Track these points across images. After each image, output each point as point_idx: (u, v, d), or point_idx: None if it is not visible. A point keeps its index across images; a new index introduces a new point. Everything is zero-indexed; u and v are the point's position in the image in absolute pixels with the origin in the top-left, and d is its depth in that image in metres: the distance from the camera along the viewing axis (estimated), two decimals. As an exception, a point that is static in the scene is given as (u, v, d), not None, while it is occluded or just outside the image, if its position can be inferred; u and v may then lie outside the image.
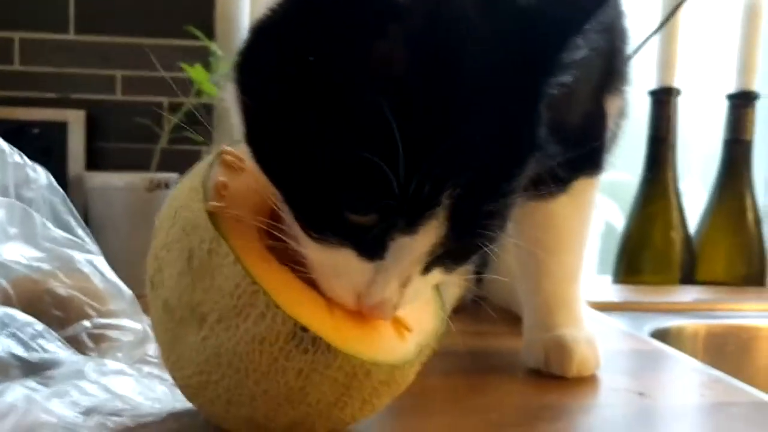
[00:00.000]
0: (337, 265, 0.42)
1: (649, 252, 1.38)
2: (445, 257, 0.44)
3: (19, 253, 0.54)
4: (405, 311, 0.46)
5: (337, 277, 0.42)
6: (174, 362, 0.45)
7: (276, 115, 0.41)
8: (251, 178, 0.45)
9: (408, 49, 0.39)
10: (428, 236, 0.41)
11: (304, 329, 0.41)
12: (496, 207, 0.42)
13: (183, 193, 0.47)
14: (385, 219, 0.40)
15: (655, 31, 1.14)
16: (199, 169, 0.48)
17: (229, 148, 0.48)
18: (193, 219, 0.44)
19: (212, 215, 0.44)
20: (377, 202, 0.39)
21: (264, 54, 0.43)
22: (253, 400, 0.43)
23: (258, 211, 0.45)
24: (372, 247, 0.41)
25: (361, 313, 0.44)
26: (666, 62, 1.34)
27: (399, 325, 0.47)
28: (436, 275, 0.45)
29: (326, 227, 0.41)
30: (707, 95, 1.47)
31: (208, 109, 1.12)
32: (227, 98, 0.45)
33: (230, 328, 0.42)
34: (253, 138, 0.43)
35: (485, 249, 0.44)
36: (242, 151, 0.46)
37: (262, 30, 0.44)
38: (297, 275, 0.44)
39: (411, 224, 0.40)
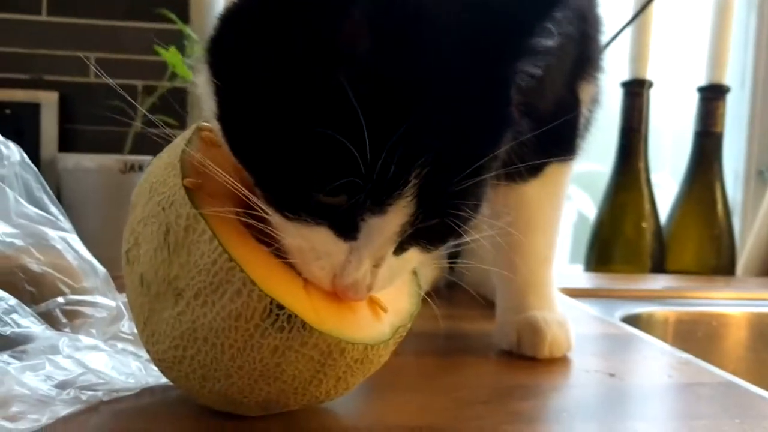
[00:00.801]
0: (312, 245, 0.42)
1: (620, 242, 1.40)
2: (419, 237, 0.44)
3: (-8, 229, 0.54)
4: (381, 292, 0.47)
5: (312, 258, 0.43)
6: (149, 336, 0.45)
7: (245, 98, 0.42)
8: (228, 155, 0.45)
9: (371, 30, 0.39)
10: (398, 216, 0.41)
11: (280, 307, 0.41)
12: (467, 186, 0.42)
13: (159, 168, 0.47)
14: (354, 199, 0.41)
15: (628, 23, 1.15)
16: (175, 145, 0.48)
17: (206, 124, 0.48)
18: (170, 194, 0.44)
19: (189, 191, 0.44)
20: (344, 183, 0.40)
21: (233, 38, 0.43)
22: (229, 377, 0.43)
23: (234, 189, 0.45)
24: (345, 227, 0.42)
25: (337, 293, 0.44)
26: (638, 54, 1.35)
27: (374, 305, 0.48)
28: (413, 256, 0.46)
29: (299, 208, 0.41)
30: (679, 87, 1.49)
31: (182, 92, 1.11)
32: (200, 82, 0.45)
33: (206, 304, 0.42)
34: (224, 121, 0.44)
35: (459, 230, 0.44)
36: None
37: (230, 15, 0.44)
38: (274, 254, 0.44)
39: (379, 204, 0.41)
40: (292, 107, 0.40)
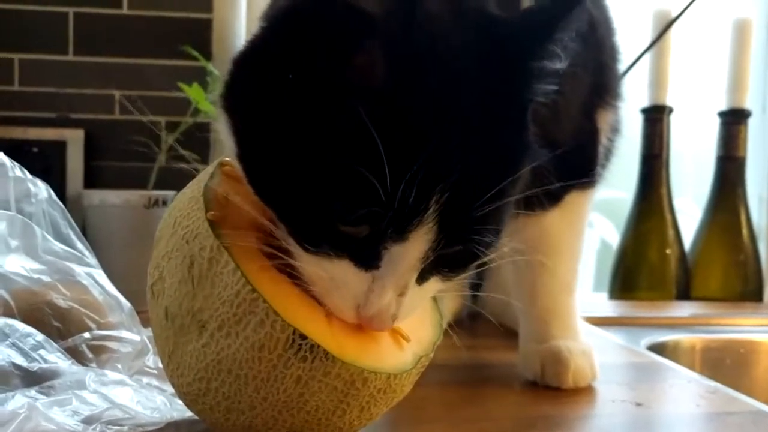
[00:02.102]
0: (335, 277, 0.43)
1: (644, 269, 1.39)
2: (440, 265, 0.45)
3: (20, 265, 0.55)
4: (403, 322, 0.47)
5: (335, 289, 0.43)
6: (174, 369, 0.46)
7: (262, 135, 0.43)
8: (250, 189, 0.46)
9: (386, 60, 0.40)
10: (419, 243, 0.42)
11: (303, 337, 0.42)
12: (488, 211, 0.42)
13: (183, 202, 0.47)
14: (376, 228, 0.41)
15: (647, 50, 1.16)
16: (199, 179, 0.49)
17: (228, 159, 0.49)
18: (194, 228, 0.45)
19: (212, 223, 0.44)
20: (365, 212, 0.40)
21: (246, 78, 0.44)
22: (253, 408, 0.43)
23: (257, 221, 0.45)
24: (367, 257, 0.42)
25: (362, 325, 0.44)
26: (658, 80, 1.35)
27: (397, 335, 0.48)
28: (434, 285, 0.46)
29: (321, 240, 0.42)
30: (699, 112, 1.48)
31: (205, 127, 1.13)
32: (220, 124, 0.46)
33: (230, 336, 0.42)
34: (243, 159, 0.44)
35: (480, 256, 0.45)
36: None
37: (243, 57, 0.45)
38: (296, 286, 0.45)
39: (401, 232, 0.41)
40: (309, 141, 0.40)
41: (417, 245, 0.42)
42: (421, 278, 0.44)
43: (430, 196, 0.40)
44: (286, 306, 0.43)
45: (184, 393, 0.46)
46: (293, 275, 0.44)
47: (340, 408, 0.44)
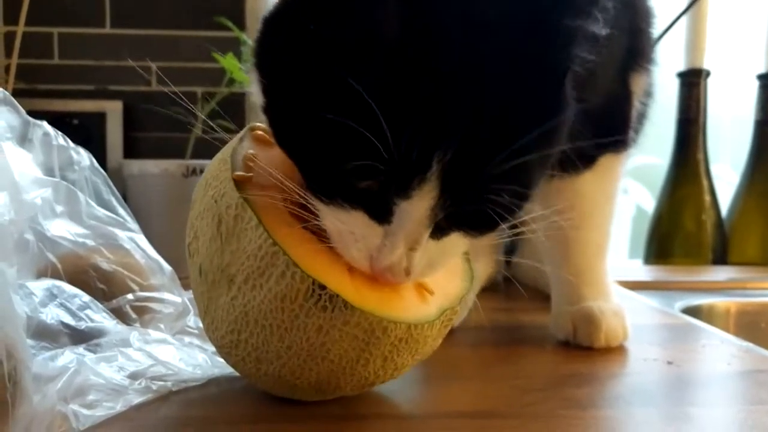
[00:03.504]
0: (351, 229, 0.44)
1: (680, 235, 1.38)
2: (459, 223, 0.45)
3: (66, 230, 0.57)
4: (431, 277, 0.48)
5: (353, 241, 0.44)
6: (209, 324, 0.48)
7: (284, 90, 0.44)
8: (278, 152, 0.47)
9: (399, 12, 0.40)
10: (424, 200, 0.42)
11: (322, 287, 0.43)
12: (506, 171, 0.41)
13: (214, 165, 0.49)
14: (383, 184, 0.42)
15: (683, 13, 1.14)
16: (230, 143, 0.50)
17: (259, 124, 0.51)
18: (222, 188, 0.47)
19: (237, 182, 0.46)
20: (374, 168, 0.41)
21: (273, 36, 0.46)
22: (279, 357, 0.45)
23: (283, 183, 0.47)
24: (378, 212, 0.43)
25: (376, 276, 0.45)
26: (694, 44, 1.33)
27: (422, 289, 0.49)
28: (456, 242, 0.46)
29: (335, 193, 0.43)
30: (737, 76, 1.46)
31: (240, 97, 1.14)
32: (252, 81, 0.48)
33: (255, 288, 0.44)
34: (269, 113, 0.46)
35: (502, 217, 0.44)
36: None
37: (271, 16, 0.46)
38: (323, 244, 0.46)
39: (404, 188, 0.41)
40: (323, 96, 0.41)
41: (422, 203, 0.42)
42: (440, 233, 0.45)
43: (432, 155, 0.40)
44: (307, 259, 0.44)
45: (219, 346, 0.48)
46: (321, 237, 0.46)
47: (362, 357, 0.45)
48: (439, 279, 0.49)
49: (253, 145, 0.50)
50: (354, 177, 0.42)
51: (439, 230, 0.45)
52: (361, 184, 0.42)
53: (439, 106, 0.40)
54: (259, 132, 0.51)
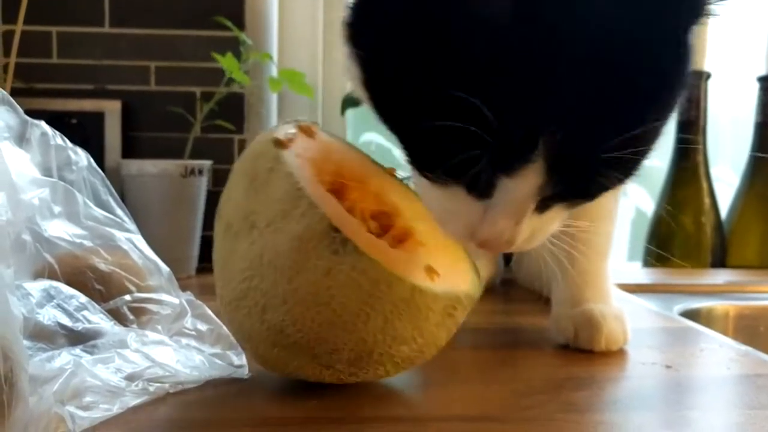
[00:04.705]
0: (450, 203, 0.45)
1: (679, 237, 1.38)
2: (564, 197, 0.45)
3: (63, 230, 0.57)
4: (437, 263, 0.49)
5: (451, 214, 0.45)
6: (224, 282, 0.49)
7: (387, 63, 0.44)
8: (321, 145, 0.51)
9: None
10: (529, 180, 0.41)
11: (337, 230, 0.45)
12: (616, 155, 0.40)
13: (252, 148, 0.52)
14: (487, 160, 0.41)
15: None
16: (271, 129, 0.52)
17: (303, 119, 0.54)
18: (259, 151, 0.49)
19: (276, 141, 0.48)
20: (475, 144, 0.40)
21: (377, 11, 0.44)
22: (285, 302, 0.46)
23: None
24: (479, 187, 0.43)
25: (396, 243, 0.49)
26: (695, 46, 1.33)
27: (432, 271, 0.49)
28: (559, 212, 0.46)
29: (437, 167, 0.43)
30: (738, 78, 1.45)
31: (239, 97, 1.14)
32: (343, 50, 0.47)
33: (276, 231, 0.46)
34: (371, 88, 0.46)
35: (610, 188, 0.44)
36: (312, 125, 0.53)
37: None
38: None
39: (509, 167, 0.41)
40: (428, 70, 0.40)
41: (528, 181, 0.41)
42: (544, 207, 0.45)
43: (537, 136, 0.39)
44: (327, 204, 0.46)
45: (228, 302, 0.49)
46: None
47: (363, 311, 0.46)
48: (449, 270, 0.50)
49: (295, 131, 0.51)
50: (456, 152, 0.41)
51: (543, 205, 0.44)
52: (464, 160, 0.41)
53: (547, 87, 0.38)
54: (303, 123, 0.53)
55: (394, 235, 0.51)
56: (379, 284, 0.45)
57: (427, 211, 0.47)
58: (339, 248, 0.45)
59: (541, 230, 0.46)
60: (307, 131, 0.52)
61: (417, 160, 0.45)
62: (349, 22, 0.46)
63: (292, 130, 0.51)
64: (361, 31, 0.45)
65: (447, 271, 0.50)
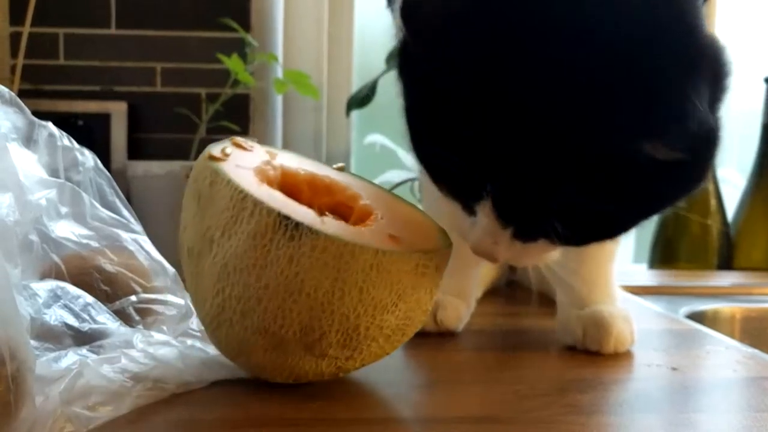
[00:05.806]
0: (453, 209, 0.53)
1: (685, 240, 1.37)
2: (538, 236, 0.50)
3: (70, 231, 0.57)
4: (399, 232, 0.50)
5: (454, 217, 0.54)
6: (199, 303, 0.50)
7: (412, 96, 0.52)
8: (256, 157, 0.53)
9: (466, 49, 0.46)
10: (486, 215, 0.50)
11: (287, 218, 0.46)
12: (561, 207, 0.47)
13: (193, 168, 0.53)
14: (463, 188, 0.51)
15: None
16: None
17: (237, 138, 0.56)
18: (198, 170, 0.51)
19: (211, 156, 0.50)
20: (458, 176, 0.49)
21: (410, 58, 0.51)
22: (260, 301, 0.46)
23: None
24: (467, 206, 0.52)
25: (357, 223, 0.51)
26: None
27: (394, 238, 0.50)
28: (545, 246, 0.52)
29: (438, 179, 0.53)
30: (745, 79, 1.45)
31: (245, 98, 1.15)
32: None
33: (231, 237, 0.47)
34: (404, 106, 0.53)
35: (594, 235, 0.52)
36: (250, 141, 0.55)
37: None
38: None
39: (471, 203, 0.50)
40: (428, 125, 0.50)
41: (486, 216, 0.50)
42: (524, 239, 0.51)
43: (482, 185, 0.48)
44: (274, 199, 0.48)
45: (209, 323, 0.50)
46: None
47: (337, 288, 0.46)
48: (413, 234, 0.51)
49: (230, 146, 0.53)
50: (449, 179, 0.51)
51: (526, 237, 0.50)
52: (453, 186, 0.52)
53: (495, 149, 0.46)
54: (237, 139, 0.55)
55: (354, 219, 0.53)
56: (343, 257, 0.46)
57: (384, 191, 0.55)
58: (294, 233, 0.45)
59: (527, 255, 0.53)
60: (241, 146, 0.54)
61: (428, 174, 0.53)
62: (399, 50, 0.52)
63: (227, 145, 0.52)
64: (403, 69, 0.52)
65: (411, 236, 0.51)
